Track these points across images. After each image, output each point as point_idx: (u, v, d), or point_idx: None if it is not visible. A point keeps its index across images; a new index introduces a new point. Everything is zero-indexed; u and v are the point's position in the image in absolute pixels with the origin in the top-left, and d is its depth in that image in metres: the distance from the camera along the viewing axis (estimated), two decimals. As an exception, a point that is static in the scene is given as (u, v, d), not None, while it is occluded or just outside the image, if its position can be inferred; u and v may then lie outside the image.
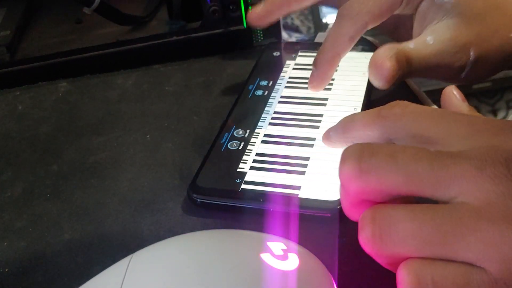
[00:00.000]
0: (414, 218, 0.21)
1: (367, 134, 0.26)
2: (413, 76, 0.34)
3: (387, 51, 0.32)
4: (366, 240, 0.22)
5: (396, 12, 0.36)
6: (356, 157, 0.23)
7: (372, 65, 0.32)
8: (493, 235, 0.20)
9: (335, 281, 0.25)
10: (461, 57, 0.33)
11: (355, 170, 0.22)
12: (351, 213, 0.25)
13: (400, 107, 0.25)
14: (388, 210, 0.22)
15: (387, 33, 0.42)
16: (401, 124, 0.24)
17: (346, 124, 0.27)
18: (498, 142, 0.22)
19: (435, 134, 0.23)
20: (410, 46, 0.33)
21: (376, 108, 0.26)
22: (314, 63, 0.36)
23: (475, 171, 0.21)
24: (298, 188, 0.31)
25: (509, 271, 0.19)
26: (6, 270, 0.30)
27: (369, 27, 0.35)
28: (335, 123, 0.28)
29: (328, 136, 0.29)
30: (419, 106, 0.25)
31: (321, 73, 0.36)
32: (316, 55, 0.36)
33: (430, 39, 0.34)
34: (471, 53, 0.33)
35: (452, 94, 0.31)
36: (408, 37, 0.38)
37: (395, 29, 0.41)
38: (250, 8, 0.47)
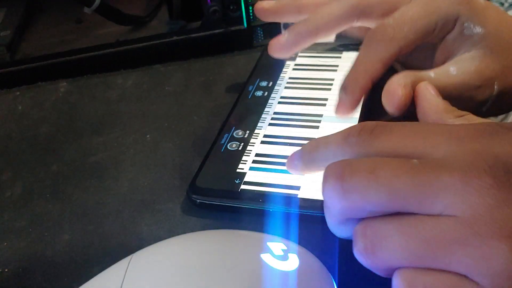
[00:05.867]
0: (402, 232, 0.21)
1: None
2: None
3: (402, 79, 0.31)
4: (359, 254, 0.22)
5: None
6: (338, 177, 0.22)
7: (385, 91, 0.31)
8: (481, 250, 0.19)
9: (335, 281, 0.25)
10: (484, 91, 0.32)
11: (337, 190, 0.22)
12: (338, 231, 0.25)
13: (367, 131, 0.24)
14: (378, 224, 0.22)
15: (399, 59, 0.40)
16: (373, 149, 0.23)
17: (311, 153, 0.26)
18: (481, 147, 0.21)
19: (412, 149, 0.23)
20: (430, 75, 0.32)
21: (342, 133, 0.25)
22: (345, 89, 0.33)
23: (460, 184, 0.20)
24: (298, 188, 0.31)
25: (500, 285, 0.19)
26: (6, 270, 0.30)
27: (403, 53, 0.33)
28: (298, 149, 0.27)
29: (293, 165, 0.28)
30: (387, 124, 0.24)
31: (353, 100, 0.33)
32: (346, 80, 0.33)
33: (453, 69, 0.32)
34: (495, 87, 0.32)
35: (426, 90, 0.30)
36: (419, 66, 0.37)
37: (406, 57, 0.38)
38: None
